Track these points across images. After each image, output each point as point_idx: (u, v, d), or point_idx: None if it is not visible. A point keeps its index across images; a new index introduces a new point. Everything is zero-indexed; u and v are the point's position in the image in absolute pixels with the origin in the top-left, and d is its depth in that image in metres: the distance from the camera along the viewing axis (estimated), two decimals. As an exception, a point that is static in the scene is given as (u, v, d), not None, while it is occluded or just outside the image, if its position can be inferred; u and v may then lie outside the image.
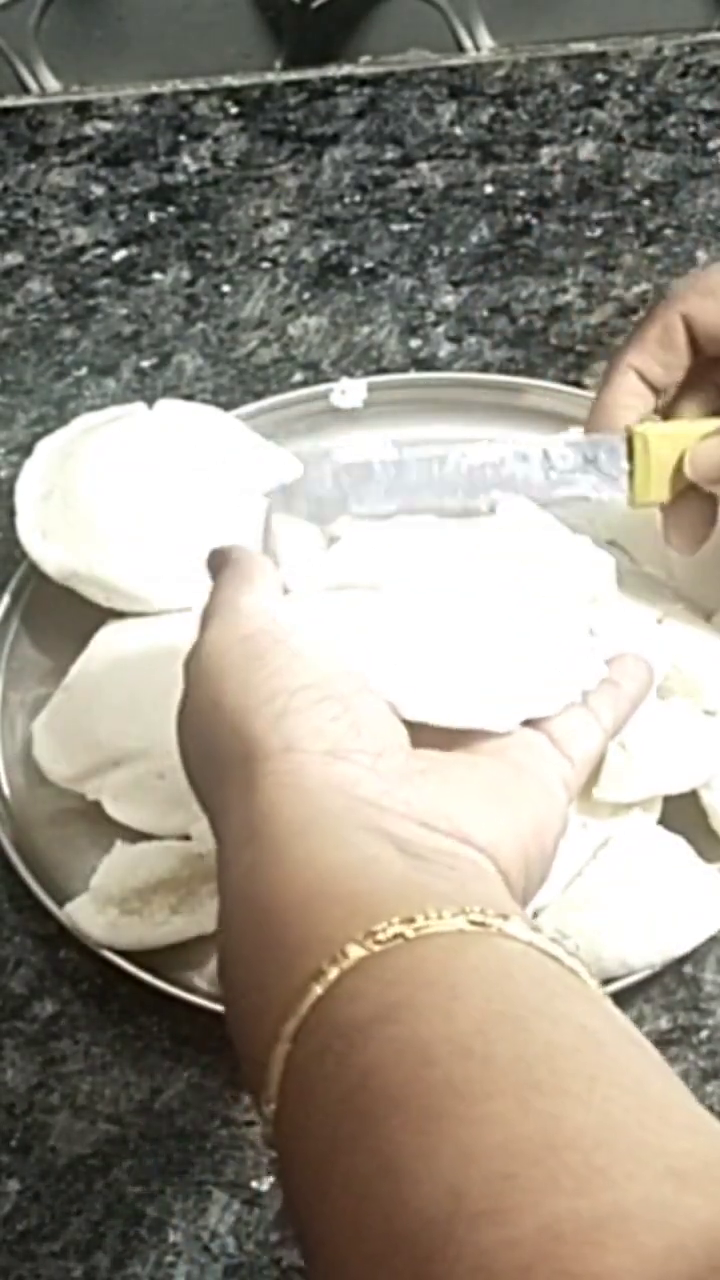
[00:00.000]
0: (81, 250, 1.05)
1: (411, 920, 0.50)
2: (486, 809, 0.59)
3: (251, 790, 0.57)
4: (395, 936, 0.50)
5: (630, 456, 0.76)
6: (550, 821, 0.61)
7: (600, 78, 1.11)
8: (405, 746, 0.60)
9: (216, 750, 0.60)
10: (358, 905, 0.52)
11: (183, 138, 1.10)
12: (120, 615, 0.86)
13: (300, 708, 0.59)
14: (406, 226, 1.04)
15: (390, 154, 1.08)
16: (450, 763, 0.61)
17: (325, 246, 1.04)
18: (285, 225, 1.05)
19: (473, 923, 0.51)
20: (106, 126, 1.11)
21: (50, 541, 0.87)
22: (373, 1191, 0.45)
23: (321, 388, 0.94)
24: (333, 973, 0.50)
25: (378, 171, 1.07)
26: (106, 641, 0.85)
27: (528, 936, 0.51)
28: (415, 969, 0.50)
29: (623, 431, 0.76)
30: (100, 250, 1.05)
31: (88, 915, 0.77)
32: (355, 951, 0.50)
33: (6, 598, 0.88)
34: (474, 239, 1.04)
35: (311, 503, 0.74)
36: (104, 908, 0.77)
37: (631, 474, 0.76)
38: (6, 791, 0.82)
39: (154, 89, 1.13)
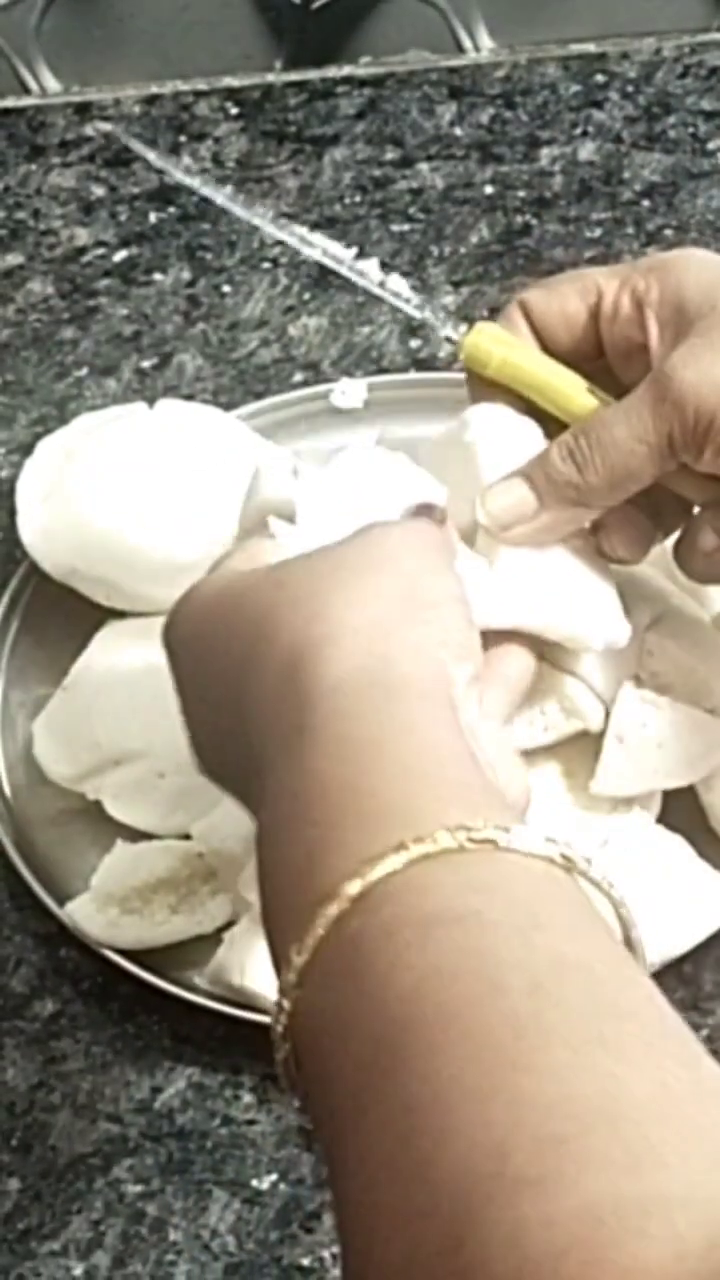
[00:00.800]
0: (82, 250, 1.05)
1: (507, 830, 0.48)
2: (514, 765, 0.59)
3: (329, 654, 0.54)
4: (488, 841, 0.47)
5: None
6: None
7: (600, 78, 1.11)
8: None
9: (273, 621, 0.57)
10: (457, 793, 0.50)
11: (183, 138, 1.10)
12: (120, 615, 0.86)
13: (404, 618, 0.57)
14: (406, 226, 1.04)
15: (390, 154, 1.08)
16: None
17: (325, 247, 1.04)
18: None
19: (564, 856, 0.49)
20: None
21: (50, 541, 0.87)
22: (417, 1127, 0.43)
23: (321, 388, 0.95)
24: (415, 851, 0.47)
25: (378, 172, 1.07)
26: (106, 641, 0.85)
27: (608, 885, 0.50)
28: (503, 882, 0.47)
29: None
30: (101, 250, 1.05)
31: (88, 915, 0.77)
32: (445, 839, 0.47)
33: (6, 598, 0.88)
34: (474, 239, 1.04)
35: None
36: (104, 907, 0.77)
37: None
38: (7, 791, 0.82)
39: (154, 89, 1.13)
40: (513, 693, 0.67)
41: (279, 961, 0.49)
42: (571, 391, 0.73)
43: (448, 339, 0.75)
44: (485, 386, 0.74)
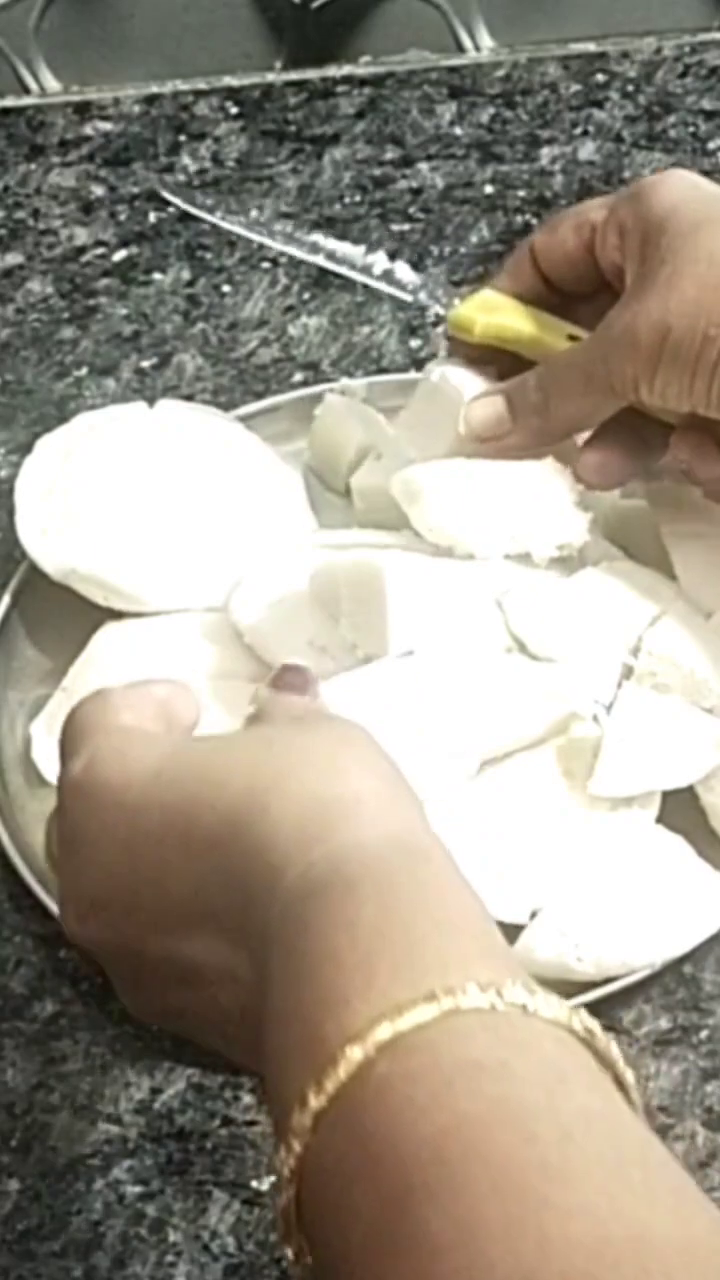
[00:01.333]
0: (81, 250, 1.05)
1: (533, 994, 0.48)
2: None
3: (357, 812, 0.54)
4: (518, 1005, 0.48)
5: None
6: None
7: (600, 78, 1.11)
8: None
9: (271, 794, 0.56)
10: (486, 952, 0.50)
11: (183, 138, 1.10)
12: (120, 615, 0.85)
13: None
14: (406, 226, 1.04)
15: (390, 154, 1.08)
16: None
17: (325, 246, 1.04)
18: (285, 225, 1.05)
19: (585, 1028, 0.49)
20: (106, 126, 1.11)
21: (50, 540, 0.87)
22: (444, 1266, 0.42)
23: (321, 388, 0.94)
24: (447, 1004, 0.47)
25: (378, 171, 1.07)
26: (105, 643, 0.84)
27: (623, 1067, 0.50)
28: (530, 1040, 0.48)
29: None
30: (100, 250, 1.05)
31: (88, 915, 0.77)
32: (476, 995, 0.47)
33: (7, 598, 0.88)
34: (474, 239, 1.04)
35: None
36: (104, 908, 0.77)
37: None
38: (6, 791, 0.82)
39: (154, 89, 1.13)
40: None
41: (286, 1104, 0.48)
42: (553, 341, 0.80)
43: (437, 315, 0.81)
44: (475, 349, 0.82)
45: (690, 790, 0.78)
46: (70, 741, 0.61)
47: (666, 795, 0.78)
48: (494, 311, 0.81)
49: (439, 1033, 0.47)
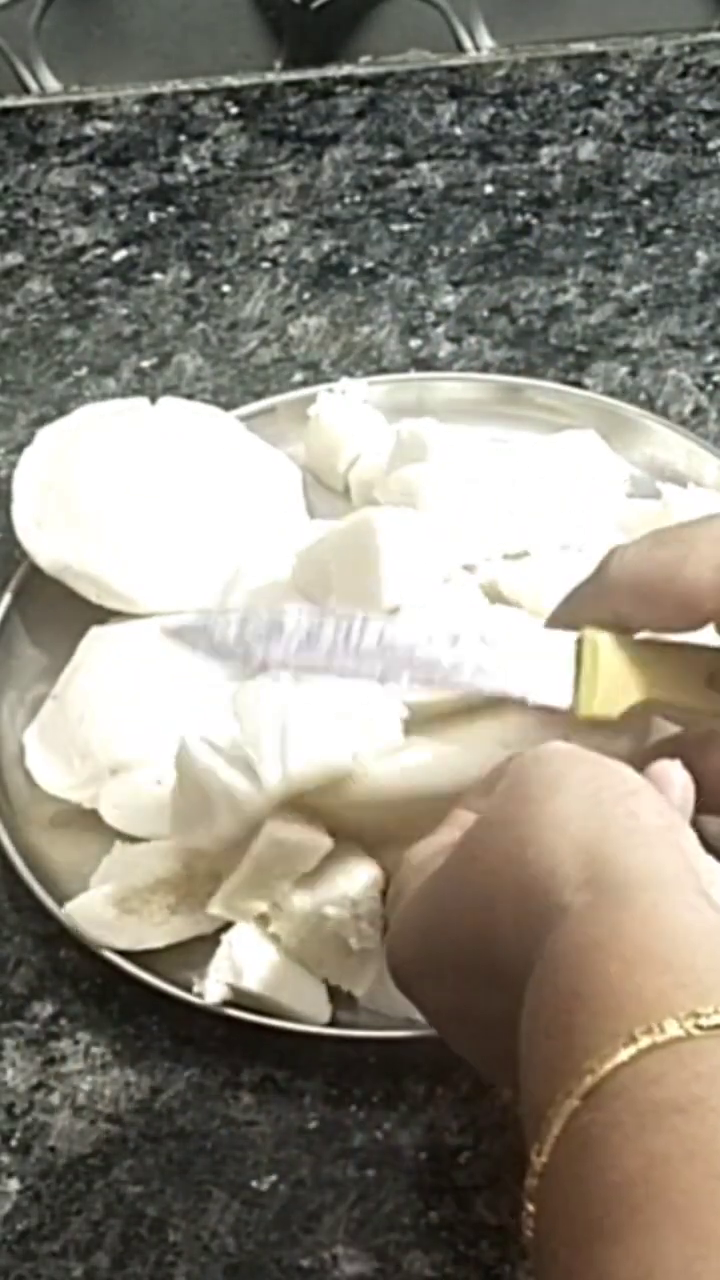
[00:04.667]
0: (81, 250, 1.05)
1: None
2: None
3: (600, 841, 0.55)
4: (717, 1028, 0.48)
5: (579, 661, 0.67)
6: None
7: (600, 78, 1.11)
8: None
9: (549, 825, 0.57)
10: (687, 978, 0.50)
11: (183, 138, 1.10)
12: (112, 614, 0.85)
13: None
14: (406, 226, 1.04)
15: (390, 154, 1.08)
16: None
17: (325, 246, 1.04)
18: (285, 225, 1.05)
19: None
20: (106, 126, 1.11)
21: (45, 533, 0.87)
22: None
23: (321, 388, 0.94)
24: (643, 1042, 0.48)
25: (378, 171, 1.08)
26: (93, 648, 0.84)
27: None
28: None
29: (574, 631, 0.68)
30: (100, 250, 1.05)
31: (87, 915, 0.77)
32: (673, 1028, 0.48)
33: (7, 596, 0.88)
34: (474, 239, 1.04)
35: (216, 646, 0.70)
36: (103, 908, 0.77)
37: (578, 680, 0.67)
38: (6, 792, 0.82)
39: (154, 89, 1.13)
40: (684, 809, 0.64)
41: (526, 1156, 0.50)
42: (692, 697, 0.68)
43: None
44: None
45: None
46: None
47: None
48: (616, 679, 0.67)
49: (635, 1075, 0.48)
